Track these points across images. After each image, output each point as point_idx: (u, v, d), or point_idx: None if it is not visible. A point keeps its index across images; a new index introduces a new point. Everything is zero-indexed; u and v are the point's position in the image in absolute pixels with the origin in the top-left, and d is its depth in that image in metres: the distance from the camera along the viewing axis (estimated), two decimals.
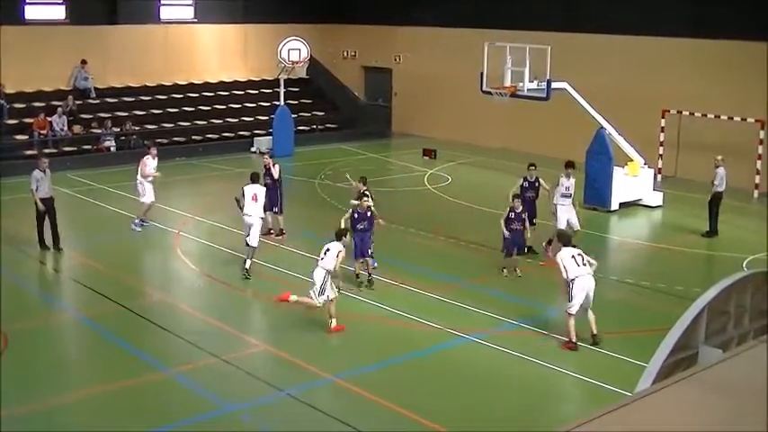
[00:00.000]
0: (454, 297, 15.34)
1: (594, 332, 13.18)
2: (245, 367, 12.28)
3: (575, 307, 12.99)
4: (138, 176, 19.55)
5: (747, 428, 4.12)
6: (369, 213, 15.80)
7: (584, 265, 13.07)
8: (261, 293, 15.63)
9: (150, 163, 19.53)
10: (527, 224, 16.50)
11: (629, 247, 18.87)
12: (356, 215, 15.75)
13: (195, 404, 11.37)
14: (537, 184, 17.93)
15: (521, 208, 16.40)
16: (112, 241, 19.08)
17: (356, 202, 16.30)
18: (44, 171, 17.62)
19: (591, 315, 13.16)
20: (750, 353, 5.12)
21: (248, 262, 16.28)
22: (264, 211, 17.11)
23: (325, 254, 13.57)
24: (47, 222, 17.71)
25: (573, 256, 13.11)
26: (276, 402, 11.35)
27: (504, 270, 16.63)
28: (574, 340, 13.07)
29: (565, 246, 13.47)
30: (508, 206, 16.58)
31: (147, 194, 19.39)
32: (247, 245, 16.37)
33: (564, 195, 17.58)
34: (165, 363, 12.56)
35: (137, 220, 19.44)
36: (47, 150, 27.15)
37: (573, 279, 13.00)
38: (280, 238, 18.79)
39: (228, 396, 11.48)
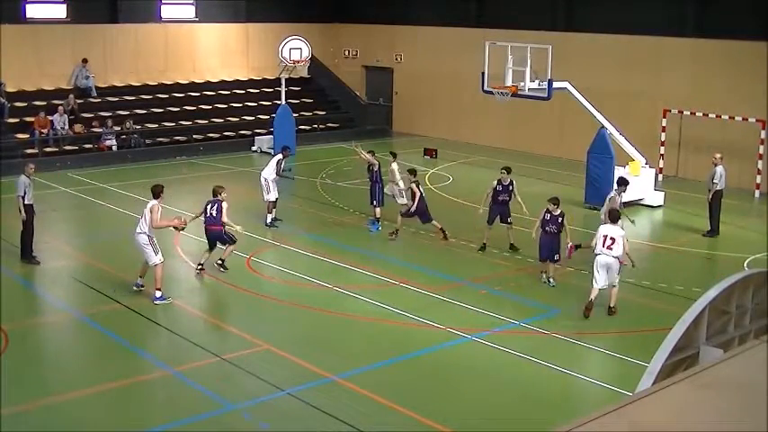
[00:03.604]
0: (455, 296, 15.33)
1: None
2: (245, 366, 12.27)
3: None
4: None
5: (748, 428, 4.11)
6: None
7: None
8: (261, 293, 15.62)
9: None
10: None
11: (631, 247, 18.75)
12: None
13: (195, 403, 11.36)
14: (511, 188, 17.90)
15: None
16: (113, 240, 19.06)
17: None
18: (28, 176, 16.84)
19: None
20: (751, 353, 5.11)
21: (269, 216, 19.60)
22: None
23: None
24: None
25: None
26: (276, 401, 11.34)
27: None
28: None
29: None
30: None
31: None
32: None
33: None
34: (166, 361, 12.57)
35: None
36: (48, 149, 27.24)
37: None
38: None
39: (229, 395, 11.47)
